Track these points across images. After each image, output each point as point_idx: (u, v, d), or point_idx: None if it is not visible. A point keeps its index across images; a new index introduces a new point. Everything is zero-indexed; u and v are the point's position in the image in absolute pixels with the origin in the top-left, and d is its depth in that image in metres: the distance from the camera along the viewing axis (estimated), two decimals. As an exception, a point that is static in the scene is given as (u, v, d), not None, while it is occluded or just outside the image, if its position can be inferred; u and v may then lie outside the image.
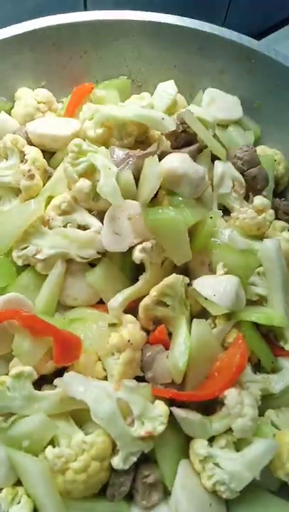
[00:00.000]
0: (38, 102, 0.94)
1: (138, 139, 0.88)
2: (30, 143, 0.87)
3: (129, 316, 0.77)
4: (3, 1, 1.14)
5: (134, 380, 0.75)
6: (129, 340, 0.74)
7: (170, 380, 0.75)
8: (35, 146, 0.86)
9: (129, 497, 0.74)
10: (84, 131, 0.87)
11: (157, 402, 0.73)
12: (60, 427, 0.71)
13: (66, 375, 0.72)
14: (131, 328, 0.76)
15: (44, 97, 0.95)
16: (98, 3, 1.17)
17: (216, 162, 0.90)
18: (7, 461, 0.70)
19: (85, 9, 1.19)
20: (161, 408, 0.73)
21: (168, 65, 0.99)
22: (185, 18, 0.99)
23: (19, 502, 0.70)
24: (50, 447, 0.70)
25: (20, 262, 0.78)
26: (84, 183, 0.77)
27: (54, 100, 0.97)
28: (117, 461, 0.70)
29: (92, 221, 0.79)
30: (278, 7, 1.44)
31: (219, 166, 0.90)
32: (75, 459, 0.69)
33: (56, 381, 0.72)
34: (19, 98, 0.96)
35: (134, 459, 0.71)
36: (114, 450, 0.72)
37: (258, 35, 1.02)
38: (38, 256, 0.77)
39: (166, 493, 0.74)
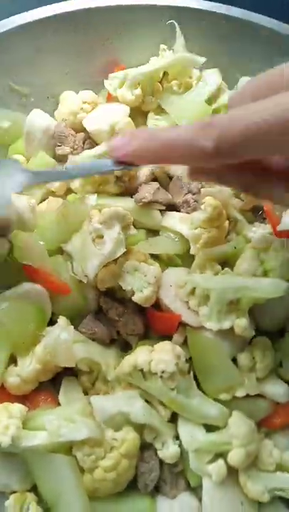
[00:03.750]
0: (83, 103, 0.92)
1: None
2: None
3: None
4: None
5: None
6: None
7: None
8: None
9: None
10: (121, 99, 0.88)
11: None
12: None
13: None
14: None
15: (89, 98, 0.93)
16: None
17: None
18: (21, 467, 0.69)
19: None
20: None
21: (195, 53, 0.94)
22: (211, 2, 0.96)
23: (28, 509, 0.68)
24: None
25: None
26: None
27: (99, 101, 0.95)
28: None
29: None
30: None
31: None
32: (104, 457, 0.67)
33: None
34: (64, 99, 0.95)
35: None
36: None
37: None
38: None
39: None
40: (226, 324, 0.70)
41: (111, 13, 0.95)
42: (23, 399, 0.72)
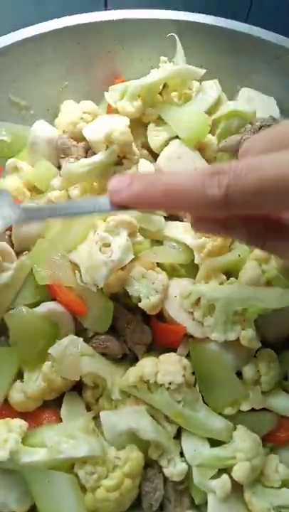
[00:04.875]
0: (83, 113, 0.92)
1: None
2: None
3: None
4: (25, 3, 1.12)
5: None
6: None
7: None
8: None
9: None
10: (122, 111, 0.87)
11: None
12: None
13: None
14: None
15: (89, 109, 0.93)
16: (119, 3, 1.15)
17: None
18: (19, 485, 0.66)
19: (106, 9, 1.17)
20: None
21: (195, 65, 0.94)
22: (211, 16, 0.97)
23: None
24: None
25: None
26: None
27: (99, 112, 0.94)
28: None
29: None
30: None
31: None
32: (106, 476, 0.65)
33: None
34: (64, 110, 0.94)
35: None
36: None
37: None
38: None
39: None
40: (232, 335, 0.69)
41: (111, 27, 0.95)
42: (26, 416, 0.70)
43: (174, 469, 0.68)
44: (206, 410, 0.69)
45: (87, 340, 0.72)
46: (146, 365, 0.67)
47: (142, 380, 0.67)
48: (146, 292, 0.70)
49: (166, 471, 0.68)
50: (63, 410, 0.71)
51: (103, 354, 0.72)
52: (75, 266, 0.72)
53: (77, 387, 0.73)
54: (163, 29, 0.95)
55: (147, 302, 0.70)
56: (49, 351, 0.67)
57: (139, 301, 0.71)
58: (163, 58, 0.95)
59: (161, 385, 0.66)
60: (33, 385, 0.69)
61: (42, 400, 0.71)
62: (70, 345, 0.68)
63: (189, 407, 0.68)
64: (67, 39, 0.94)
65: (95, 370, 0.69)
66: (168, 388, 0.66)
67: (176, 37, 0.94)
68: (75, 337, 0.69)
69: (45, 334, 0.70)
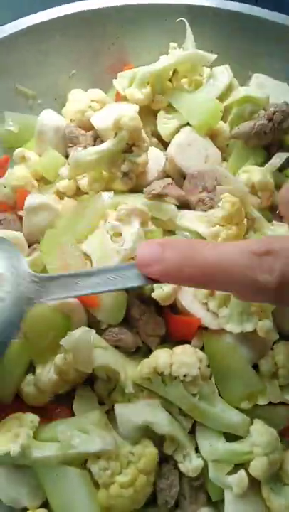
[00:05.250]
0: (91, 101, 0.90)
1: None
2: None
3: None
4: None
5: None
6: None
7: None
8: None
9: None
10: (130, 98, 0.85)
11: None
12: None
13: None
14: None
15: (97, 97, 0.91)
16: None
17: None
18: (31, 481, 0.66)
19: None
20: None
21: (206, 50, 0.91)
22: (222, -1, 0.95)
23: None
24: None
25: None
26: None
27: (107, 100, 0.93)
28: None
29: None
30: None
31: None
32: (120, 472, 0.64)
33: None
34: (71, 99, 0.93)
35: None
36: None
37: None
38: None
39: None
40: (248, 326, 0.67)
41: (118, 13, 0.94)
42: (39, 411, 0.69)
43: (190, 465, 0.67)
44: (223, 404, 0.68)
45: (100, 333, 0.70)
46: (161, 356, 0.66)
47: (156, 372, 0.65)
48: None
49: (182, 467, 0.67)
50: (76, 404, 0.70)
51: (116, 347, 0.71)
52: (87, 257, 0.71)
53: (90, 381, 0.71)
54: (172, 14, 0.93)
55: (160, 292, 0.68)
56: (61, 343, 0.66)
57: (152, 291, 0.69)
58: (172, 44, 0.94)
59: (176, 378, 0.65)
60: (45, 377, 0.68)
61: (53, 394, 0.70)
62: (82, 336, 0.66)
63: (205, 401, 0.67)
64: (73, 26, 0.93)
65: (107, 362, 0.68)
66: (183, 381, 0.65)
67: (186, 22, 0.92)
68: (88, 328, 0.68)
69: (57, 326, 0.68)
